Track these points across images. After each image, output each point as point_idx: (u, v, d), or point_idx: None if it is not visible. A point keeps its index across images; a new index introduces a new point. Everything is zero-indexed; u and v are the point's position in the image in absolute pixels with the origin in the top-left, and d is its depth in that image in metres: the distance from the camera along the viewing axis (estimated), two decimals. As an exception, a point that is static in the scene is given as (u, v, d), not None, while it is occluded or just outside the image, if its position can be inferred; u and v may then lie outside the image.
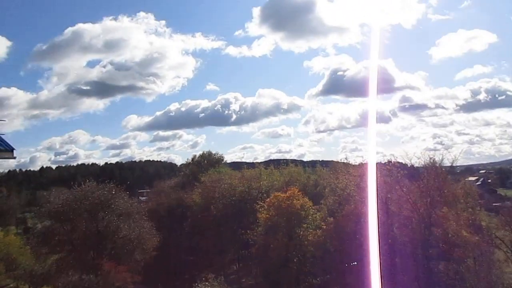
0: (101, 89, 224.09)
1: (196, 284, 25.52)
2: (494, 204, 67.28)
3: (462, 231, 28.30)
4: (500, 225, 39.10)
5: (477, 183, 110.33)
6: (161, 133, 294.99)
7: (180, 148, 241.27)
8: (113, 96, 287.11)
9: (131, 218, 35.99)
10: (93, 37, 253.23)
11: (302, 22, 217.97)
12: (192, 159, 72.51)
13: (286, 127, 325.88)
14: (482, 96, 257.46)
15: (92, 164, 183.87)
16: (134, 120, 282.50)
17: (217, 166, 62.89)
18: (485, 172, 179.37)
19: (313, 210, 37.09)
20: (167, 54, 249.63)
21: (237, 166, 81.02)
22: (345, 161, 43.13)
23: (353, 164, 42.59)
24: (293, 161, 74.81)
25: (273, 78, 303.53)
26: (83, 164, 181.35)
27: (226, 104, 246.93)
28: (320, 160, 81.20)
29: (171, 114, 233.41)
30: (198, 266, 44.85)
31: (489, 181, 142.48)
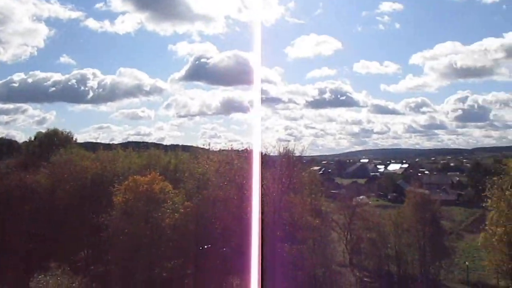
0: None
1: (35, 275, 22.95)
2: (332, 191, 76.87)
3: (305, 215, 31.61)
4: (336, 210, 45.13)
5: (320, 172, 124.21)
6: (0, 105, 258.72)
7: (24, 124, 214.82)
8: None
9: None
10: None
11: (168, 4, 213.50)
12: (35, 137, 65.68)
13: (147, 109, 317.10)
14: (327, 95, 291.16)
15: None
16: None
17: (68, 146, 57.64)
18: (326, 162, 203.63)
19: (172, 194, 36.97)
20: (13, 16, 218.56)
21: (91, 146, 75.65)
22: (207, 146, 43.82)
23: (213, 150, 43.72)
24: (153, 144, 73.09)
25: (136, 58, 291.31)
26: None
27: (82, 80, 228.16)
28: (180, 144, 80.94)
29: (14, 84, 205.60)
30: (40, 255, 40.73)
31: (329, 170, 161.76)
